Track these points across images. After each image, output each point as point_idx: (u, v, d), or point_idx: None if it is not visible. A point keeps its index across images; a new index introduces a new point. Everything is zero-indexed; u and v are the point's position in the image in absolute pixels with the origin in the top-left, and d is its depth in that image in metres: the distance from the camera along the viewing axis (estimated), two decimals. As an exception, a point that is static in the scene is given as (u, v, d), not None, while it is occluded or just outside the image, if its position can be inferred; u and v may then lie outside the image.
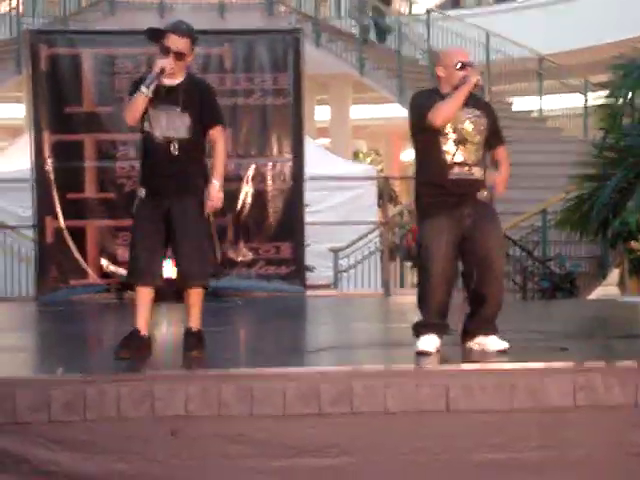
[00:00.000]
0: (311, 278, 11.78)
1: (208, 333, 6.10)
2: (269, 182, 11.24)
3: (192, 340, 5.95)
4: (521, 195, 13.20)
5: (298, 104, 11.41)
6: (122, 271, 10.26)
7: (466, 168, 5.86)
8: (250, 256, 11.10)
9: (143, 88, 5.69)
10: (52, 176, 10.84)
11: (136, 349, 5.77)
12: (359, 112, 23.79)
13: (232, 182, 10.94)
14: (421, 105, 5.89)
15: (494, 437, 5.12)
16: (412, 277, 14.21)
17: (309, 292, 11.38)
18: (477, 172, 5.91)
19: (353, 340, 7.16)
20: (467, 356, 5.88)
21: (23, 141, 13.10)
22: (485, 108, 6.04)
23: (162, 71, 5.73)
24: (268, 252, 11.22)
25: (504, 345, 5.92)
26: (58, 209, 10.79)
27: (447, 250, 5.84)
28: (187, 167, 5.84)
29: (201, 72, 10.82)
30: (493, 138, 6.07)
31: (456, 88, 5.82)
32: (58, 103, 11.02)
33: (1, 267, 12.79)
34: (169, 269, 5.98)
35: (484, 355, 5.84)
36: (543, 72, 17.83)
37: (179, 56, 5.78)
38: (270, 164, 11.26)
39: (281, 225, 11.25)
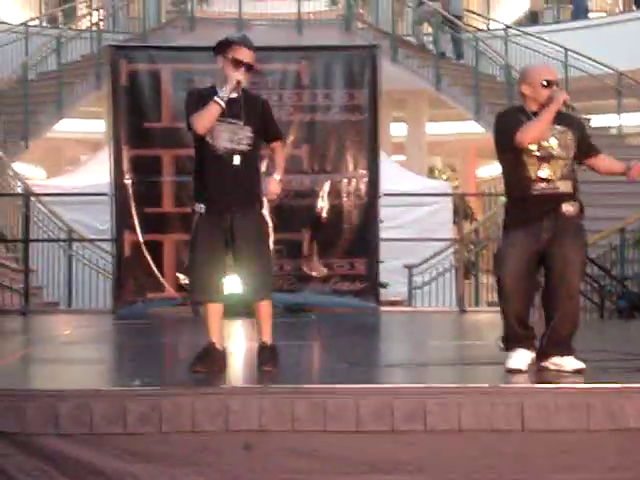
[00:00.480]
0: (385, 294, 11.75)
1: (282, 348, 6.12)
2: (344, 198, 11.24)
3: (266, 354, 5.98)
4: (599, 213, 13.04)
5: (374, 120, 11.38)
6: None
7: (551, 183, 5.84)
8: (325, 272, 11.09)
9: (220, 100, 5.74)
10: (131, 190, 10.95)
11: (211, 363, 5.82)
12: (435, 128, 23.73)
13: (307, 198, 11.00)
14: (508, 124, 5.87)
15: (569, 457, 5.07)
16: (487, 295, 14.11)
17: (383, 308, 11.34)
18: (563, 186, 5.88)
19: (427, 357, 7.12)
20: (542, 375, 5.81)
21: (102, 155, 13.28)
22: (571, 122, 5.99)
23: (239, 83, 5.81)
24: (342, 268, 11.20)
25: (580, 365, 5.86)
26: (136, 223, 10.90)
27: (517, 264, 5.84)
28: (247, 180, 5.90)
29: (278, 88, 10.90)
30: (587, 149, 6.06)
31: (543, 106, 5.80)
32: (137, 118, 11.11)
33: (80, 280, 12.99)
34: (235, 283, 6.01)
35: (560, 375, 5.78)
36: (622, 89, 17.62)
37: (249, 69, 5.88)
38: (345, 180, 11.25)
39: (356, 241, 11.21)
